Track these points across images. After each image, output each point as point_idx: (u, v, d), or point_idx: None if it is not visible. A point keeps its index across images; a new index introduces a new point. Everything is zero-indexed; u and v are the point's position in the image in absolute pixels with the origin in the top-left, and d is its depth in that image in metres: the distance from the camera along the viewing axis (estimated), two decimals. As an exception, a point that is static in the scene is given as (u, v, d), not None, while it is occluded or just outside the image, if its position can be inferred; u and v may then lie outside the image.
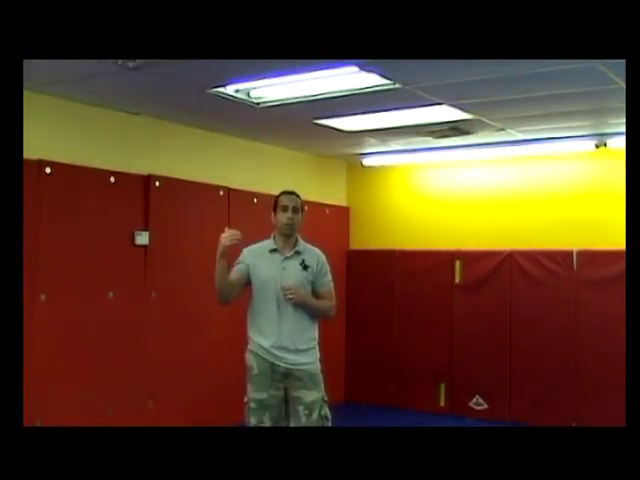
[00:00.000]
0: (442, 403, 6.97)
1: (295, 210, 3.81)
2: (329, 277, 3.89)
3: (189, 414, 5.55)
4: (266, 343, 3.69)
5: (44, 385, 4.66)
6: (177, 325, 5.65)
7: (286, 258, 3.79)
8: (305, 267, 3.78)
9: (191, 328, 5.75)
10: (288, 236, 3.82)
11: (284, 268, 3.76)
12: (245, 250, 3.87)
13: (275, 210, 3.84)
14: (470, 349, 6.80)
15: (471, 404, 6.78)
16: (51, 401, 4.68)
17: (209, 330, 5.90)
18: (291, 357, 3.68)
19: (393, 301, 7.28)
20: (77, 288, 4.98)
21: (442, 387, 6.97)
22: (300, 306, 3.71)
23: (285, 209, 3.80)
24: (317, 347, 3.82)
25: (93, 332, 5.05)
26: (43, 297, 4.76)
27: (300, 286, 3.72)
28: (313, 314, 3.80)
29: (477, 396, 6.75)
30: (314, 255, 3.87)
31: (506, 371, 6.61)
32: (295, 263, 3.78)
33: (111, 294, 5.21)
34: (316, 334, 3.82)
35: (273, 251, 3.81)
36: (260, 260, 3.79)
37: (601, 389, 6.08)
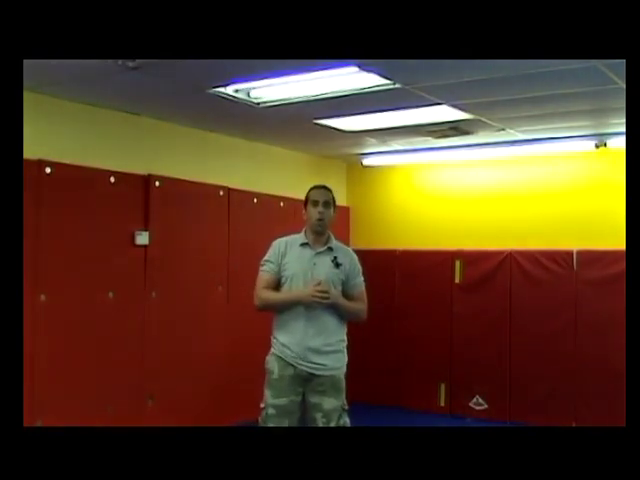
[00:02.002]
0: (442, 403, 6.96)
1: (326, 204, 3.64)
2: (361, 278, 3.72)
3: (189, 414, 5.54)
4: (291, 344, 3.51)
5: (44, 385, 4.66)
6: (177, 325, 5.65)
7: (317, 253, 3.61)
8: (337, 265, 3.60)
9: (191, 328, 5.75)
10: (320, 233, 3.64)
11: (315, 264, 3.57)
12: (275, 242, 3.70)
13: (306, 206, 3.69)
14: (470, 349, 6.80)
15: (471, 404, 6.78)
16: (51, 401, 4.69)
17: (209, 330, 5.89)
18: (317, 360, 3.51)
19: (393, 301, 7.28)
20: (77, 288, 4.98)
21: (442, 387, 6.97)
22: (331, 306, 3.52)
23: (316, 204, 3.62)
24: (345, 351, 3.66)
25: (93, 332, 5.05)
26: (43, 297, 4.76)
27: (331, 285, 3.54)
28: (344, 316, 3.63)
29: (477, 396, 6.75)
30: (347, 254, 3.70)
31: (506, 371, 6.61)
32: (327, 259, 3.60)
33: (111, 294, 5.21)
34: (345, 336, 3.66)
35: (304, 245, 3.63)
36: (290, 253, 3.62)
37: (601, 389, 6.08)
